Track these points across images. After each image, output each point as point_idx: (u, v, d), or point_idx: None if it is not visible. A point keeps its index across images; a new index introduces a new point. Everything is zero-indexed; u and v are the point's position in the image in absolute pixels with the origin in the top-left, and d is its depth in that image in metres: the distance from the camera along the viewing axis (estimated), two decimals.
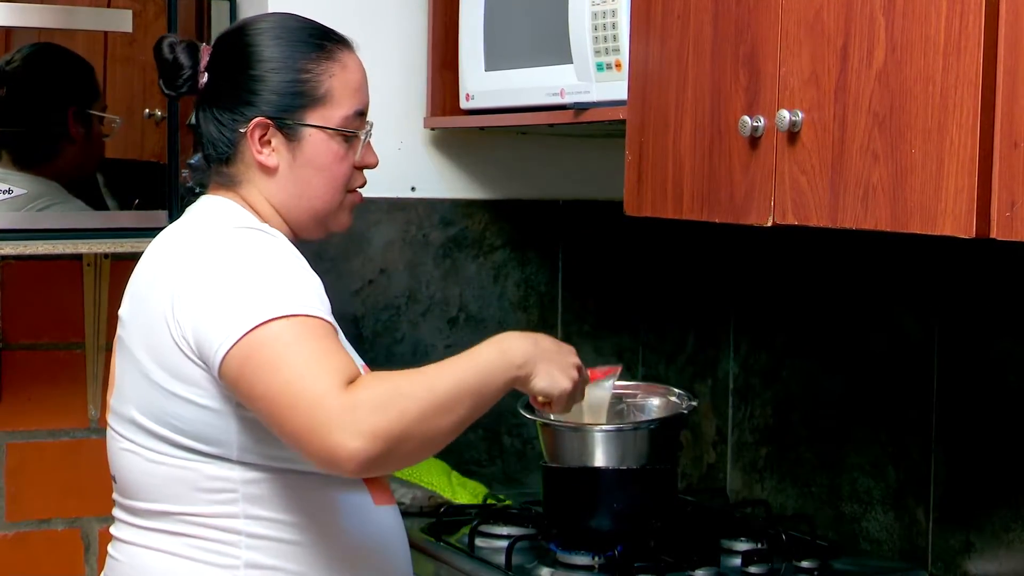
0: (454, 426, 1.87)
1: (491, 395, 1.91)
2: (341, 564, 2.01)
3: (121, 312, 2.03)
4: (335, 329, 1.91)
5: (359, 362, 2.01)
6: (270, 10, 2.67)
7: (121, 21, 2.56)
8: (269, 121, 2.03)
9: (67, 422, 2.82)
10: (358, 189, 2.13)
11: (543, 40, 2.48)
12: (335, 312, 1.96)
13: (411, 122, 2.83)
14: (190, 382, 1.92)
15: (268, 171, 2.05)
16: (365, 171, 2.13)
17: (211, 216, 2.04)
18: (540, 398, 2.01)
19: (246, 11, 2.75)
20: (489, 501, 2.68)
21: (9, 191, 2.51)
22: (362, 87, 2.10)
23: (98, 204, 2.66)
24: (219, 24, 2.71)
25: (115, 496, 2.06)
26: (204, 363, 1.90)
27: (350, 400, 1.78)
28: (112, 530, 2.06)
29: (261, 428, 1.91)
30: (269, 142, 2.05)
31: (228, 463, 1.95)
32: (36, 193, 2.58)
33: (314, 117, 2.05)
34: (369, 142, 2.11)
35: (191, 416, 1.94)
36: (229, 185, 2.07)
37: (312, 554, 1.98)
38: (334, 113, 2.06)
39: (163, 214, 2.58)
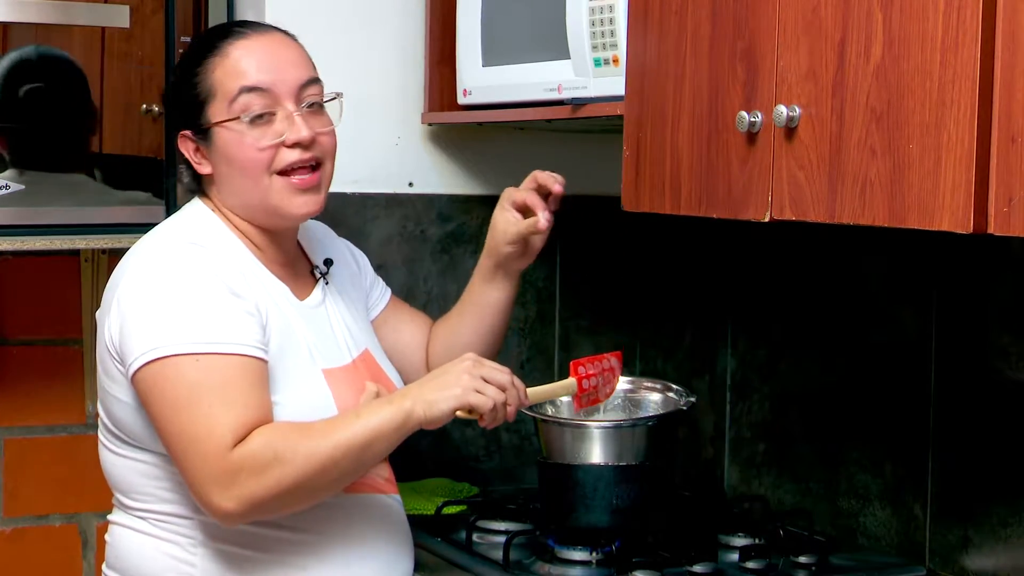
0: (336, 481, 1.96)
1: (385, 444, 1.96)
2: (295, 548, 2.04)
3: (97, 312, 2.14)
4: (255, 360, 1.96)
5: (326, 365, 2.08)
6: (267, 5, 2.68)
7: (118, 17, 2.55)
8: (187, 132, 2.11)
9: (64, 418, 2.82)
10: (296, 168, 2.07)
11: (541, 35, 2.47)
12: None
13: (408, 117, 2.83)
14: (118, 381, 2.03)
15: (208, 178, 2.13)
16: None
17: (173, 225, 2.12)
18: (467, 414, 1.98)
19: (243, 5, 2.74)
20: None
21: (7, 186, 2.50)
22: (250, 67, 2.07)
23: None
24: (217, 19, 2.70)
25: None
26: (123, 369, 2.00)
27: (232, 464, 1.89)
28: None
29: None
30: (200, 150, 2.11)
31: (165, 457, 2.02)
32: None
33: (212, 114, 2.08)
34: (296, 118, 2.06)
35: (120, 414, 2.05)
36: (204, 194, 2.17)
37: (263, 536, 2.04)
38: (225, 103, 2.07)
39: (160, 210, 2.57)
